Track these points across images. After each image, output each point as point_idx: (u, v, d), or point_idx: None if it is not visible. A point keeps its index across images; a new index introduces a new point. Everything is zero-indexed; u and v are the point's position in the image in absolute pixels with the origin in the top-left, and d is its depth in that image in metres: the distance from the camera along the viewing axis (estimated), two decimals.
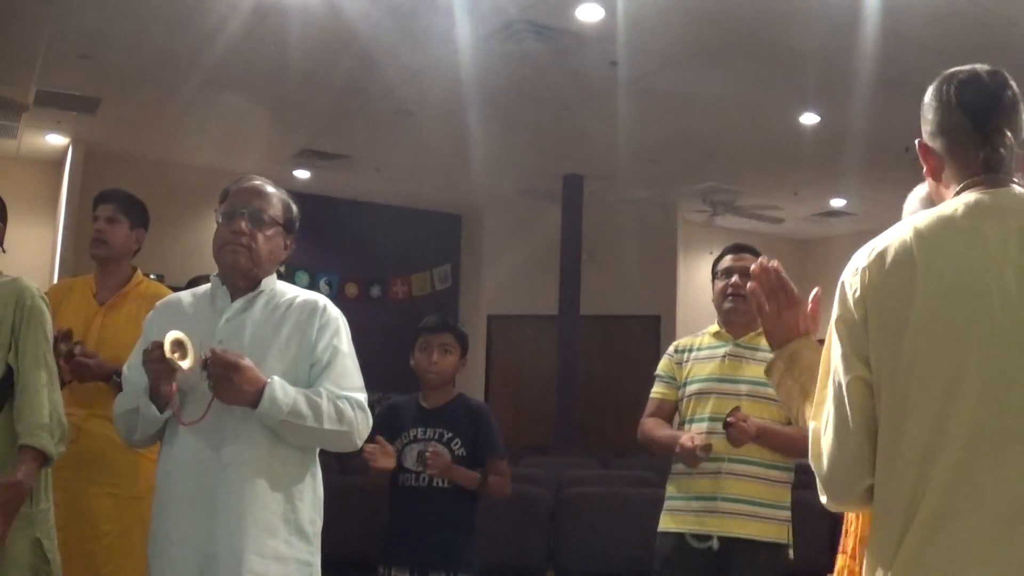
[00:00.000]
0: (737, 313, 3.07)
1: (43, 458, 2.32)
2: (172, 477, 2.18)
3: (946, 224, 1.39)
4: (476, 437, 3.05)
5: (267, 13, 5.60)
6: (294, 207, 2.35)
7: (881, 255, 1.40)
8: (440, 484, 3.01)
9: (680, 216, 10.77)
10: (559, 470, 5.92)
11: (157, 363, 2.07)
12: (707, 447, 2.86)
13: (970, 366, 1.30)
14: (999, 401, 1.28)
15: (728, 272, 3.12)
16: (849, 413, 1.38)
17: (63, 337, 2.93)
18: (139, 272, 3.29)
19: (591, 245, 9.64)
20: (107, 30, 5.97)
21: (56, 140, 8.68)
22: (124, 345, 3.07)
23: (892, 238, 1.42)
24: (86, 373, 2.95)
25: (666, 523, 3.01)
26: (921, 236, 1.39)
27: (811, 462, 1.45)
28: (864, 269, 1.41)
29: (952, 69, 1.49)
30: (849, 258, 1.48)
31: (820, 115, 7.20)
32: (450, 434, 3.04)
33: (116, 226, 3.19)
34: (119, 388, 2.98)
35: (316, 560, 2.23)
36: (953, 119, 1.45)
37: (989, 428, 1.28)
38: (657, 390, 3.19)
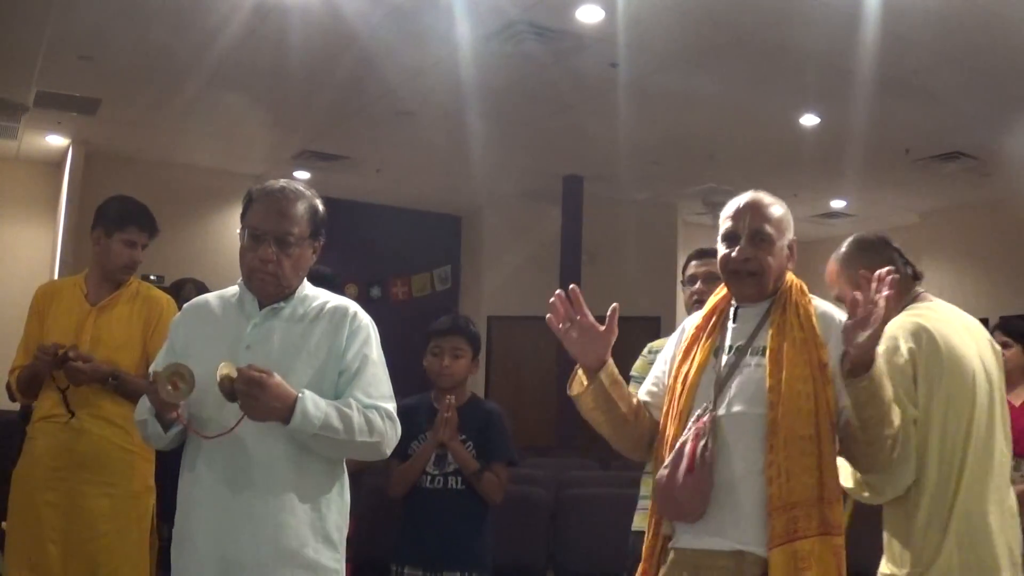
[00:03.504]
0: None
1: None
2: (196, 486, 2.15)
3: (942, 318, 2.39)
4: (485, 439, 3.07)
5: (267, 13, 5.60)
6: (320, 208, 2.30)
7: (918, 336, 2.30)
8: (456, 485, 3.04)
9: (680, 217, 10.77)
10: (559, 470, 5.93)
11: (154, 395, 2.04)
12: None
13: (974, 412, 2.29)
14: (985, 431, 2.32)
15: (692, 279, 3.16)
16: (901, 440, 2.05)
17: (61, 357, 2.91)
18: None
19: (591, 246, 9.63)
20: (107, 30, 5.97)
21: (56, 141, 8.68)
22: (118, 346, 3.07)
23: (924, 324, 2.32)
24: (80, 377, 2.94)
25: (639, 522, 3.03)
26: (935, 323, 2.33)
27: (859, 472, 2.20)
28: (913, 348, 2.28)
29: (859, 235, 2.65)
30: None
31: (820, 116, 7.20)
32: (463, 436, 3.06)
33: (144, 252, 3.23)
34: (115, 390, 3.00)
35: (342, 567, 2.21)
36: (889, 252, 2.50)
37: (983, 443, 2.30)
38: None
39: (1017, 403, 3.93)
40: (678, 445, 2.03)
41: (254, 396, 2.00)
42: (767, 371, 2.02)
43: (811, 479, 1.92)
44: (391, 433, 2.21)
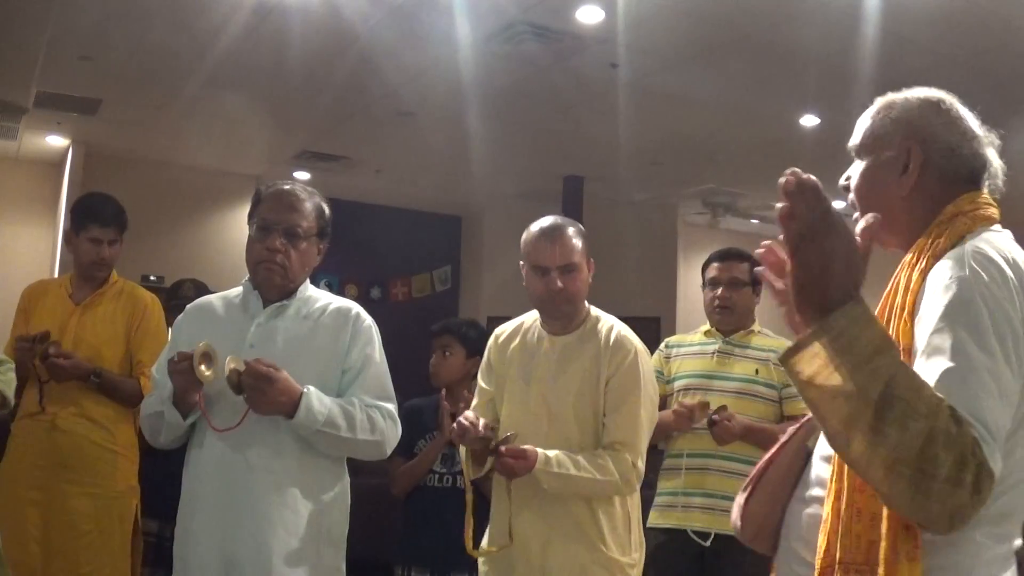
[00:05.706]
0: (725, 323, 3.10)
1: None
2: (200, 481, 2.17)
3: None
4: None
5: (268, 14, 5.60)
6: (327, 211, 2.35)
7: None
8: (463, 485, 3.04)
9: (680, 218, 10.77)
10: None
11: (183, 374, 2.06)
12: (704, 404, 2.89)
13: None
14: None
15: (715, 283, 3.15)
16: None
17: (40, 339, 2.94)
18: (114, 272, 3.30)
19: (591, 247, 9.63)
20: (107, 31, 5.96)
21: (56, 141, 8.68)
22: (100, 344, 3.09)
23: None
24: (61, 373, 2.96)
25: (653, 519, 3.03)
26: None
27: None
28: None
29: None
30: None
31: (820, 116, 7.20)
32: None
33: (115, 247, 3.22)
34: (97, 388, 3.00)
35: (343, 565, 2.23)
36: None
37: None
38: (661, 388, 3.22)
39: None
40: None
41: (261, 390, 2.03)
42: None
43: None
44: (392, 433, 2.23)
